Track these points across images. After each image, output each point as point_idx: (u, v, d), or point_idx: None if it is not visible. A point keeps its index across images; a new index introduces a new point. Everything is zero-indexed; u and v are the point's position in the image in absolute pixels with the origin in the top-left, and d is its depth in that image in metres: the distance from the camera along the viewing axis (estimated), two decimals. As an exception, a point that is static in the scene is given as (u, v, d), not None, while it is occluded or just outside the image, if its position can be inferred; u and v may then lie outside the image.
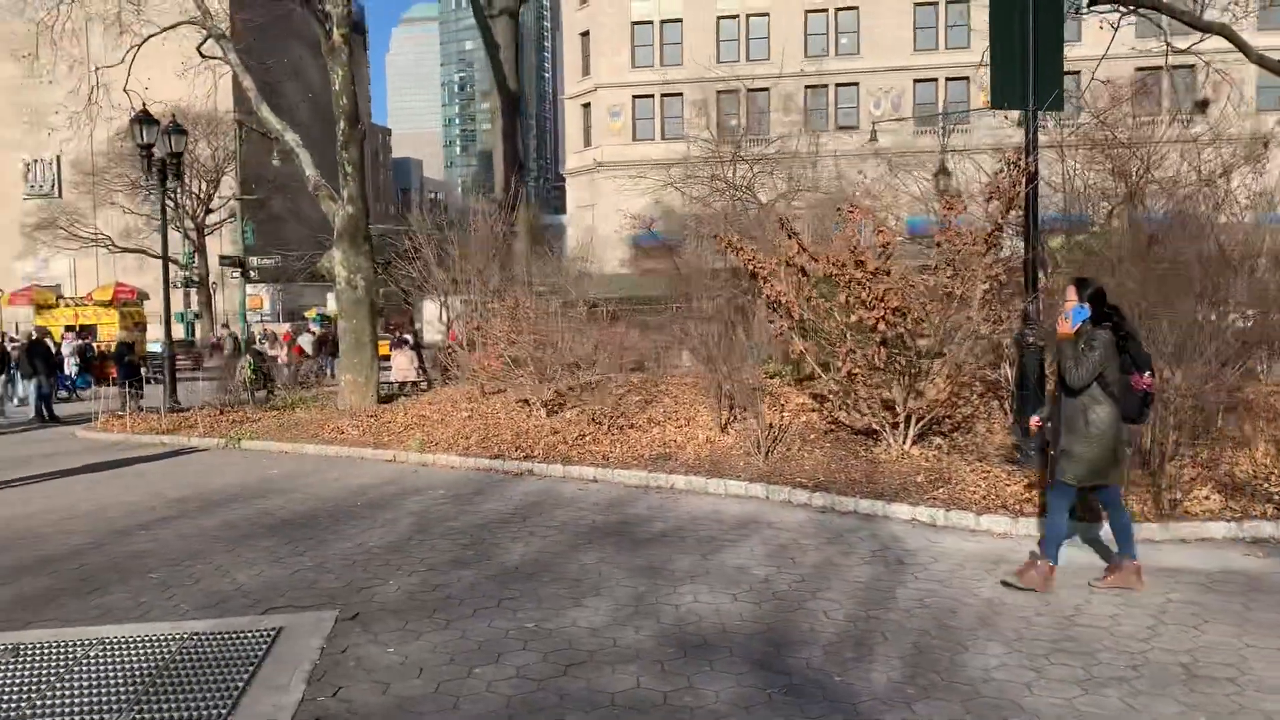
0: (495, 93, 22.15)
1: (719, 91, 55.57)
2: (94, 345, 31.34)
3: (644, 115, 56.41)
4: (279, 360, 26.30)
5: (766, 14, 55.67)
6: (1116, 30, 16.91)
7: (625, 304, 19.60)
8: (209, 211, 58.52)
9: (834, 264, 9.03)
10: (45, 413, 19.24)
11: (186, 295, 55.57)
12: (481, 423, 13.49)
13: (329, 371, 26.08)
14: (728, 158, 25.95)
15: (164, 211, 19.21)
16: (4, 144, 70.05)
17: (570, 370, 13.66)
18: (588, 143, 57.54)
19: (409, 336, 23.56)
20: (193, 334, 52.32)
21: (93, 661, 5.41)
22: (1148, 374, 6.17)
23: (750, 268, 9.65)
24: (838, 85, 53.81)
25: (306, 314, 61.16)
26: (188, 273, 55.92)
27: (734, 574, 6.86)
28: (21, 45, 21.79)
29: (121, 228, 56.32)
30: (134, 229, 55.95)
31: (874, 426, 9.88)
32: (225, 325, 53.32)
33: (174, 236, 58.33)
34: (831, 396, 10.86)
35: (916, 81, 53.72)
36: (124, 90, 21.08)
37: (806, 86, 52.93)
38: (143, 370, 23.85)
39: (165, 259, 19.06)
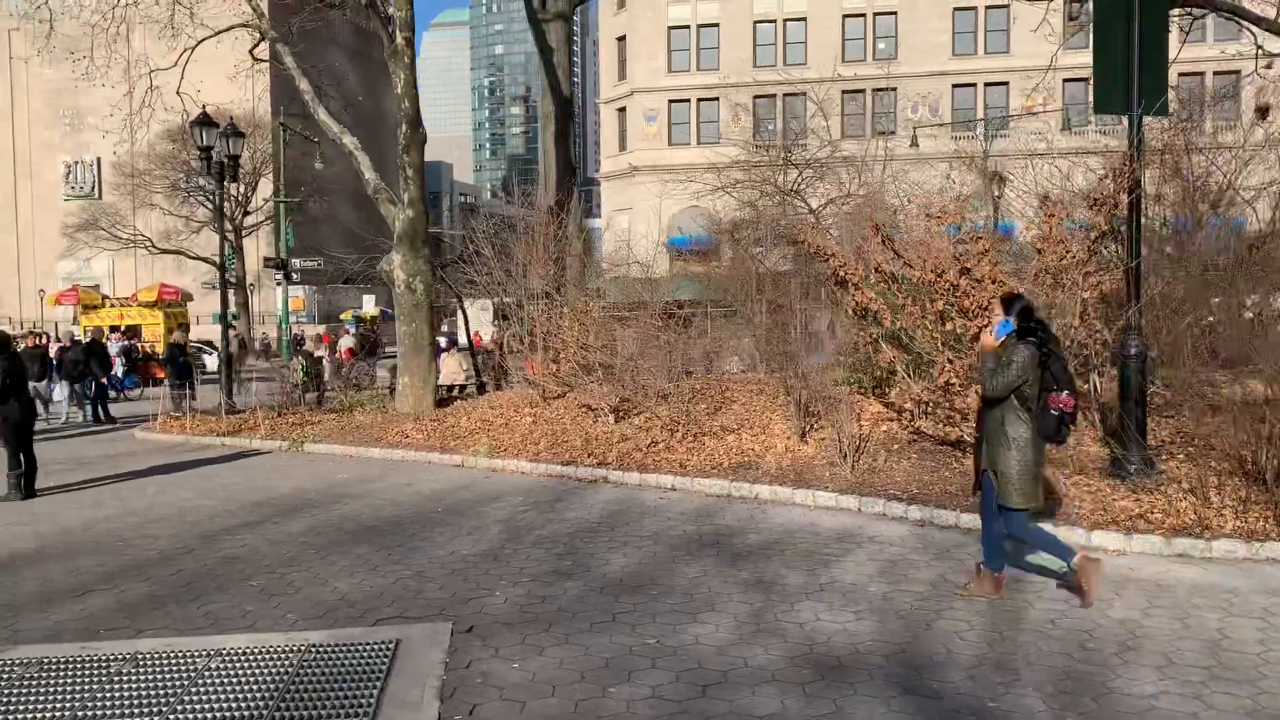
0: (547, 97, 22.03)
1: (755, 96, 55.51)
2: (138, 345, 31.55)
3: (680, 120, 56.36)
4: (323, 362, 26.31)
5: (804, 18, 55.55)
6: (1187, 35, 16.59)
7: (666, 307, 19.34)
8: (247, 214, 59.03)
9: (933, 270, 8.83)
10: (101, 413, 19.31)
11: (227, 296, 55.92)
12: (548, 428, 13.35)
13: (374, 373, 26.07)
14: (777, 161, 25.77)
15: (221, 213, 19.27)
16: (46, 146, 71.06)
17: (633, 376, 13.51)
18: (622, 147, 57.52)
19: (441, 339, 23.54)
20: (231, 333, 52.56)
21: (215, 673, 5.29)
22: (1066, 393, 6.08)
23: (840, 274, 9.45)
24: (875, 90, 53.45)
25: (342, 315, 61.57)
26: (227, 274, 56.33)
27: (849, 590, 6.67)
28: (75, 47, 21.83)
29: (161, 229, 56.88)
30: (173, 230, 56.50)
31: (965, 437, 9.65)
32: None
33: (213, 238, 58.98)
34: (912, 405, 10.63)
35: (955, 86, 53.35)
36: (177, 93, 21.17)
37: (844, 91, 52.57)
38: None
39: (222, 261, 19.11)
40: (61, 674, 5.34)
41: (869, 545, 7.85)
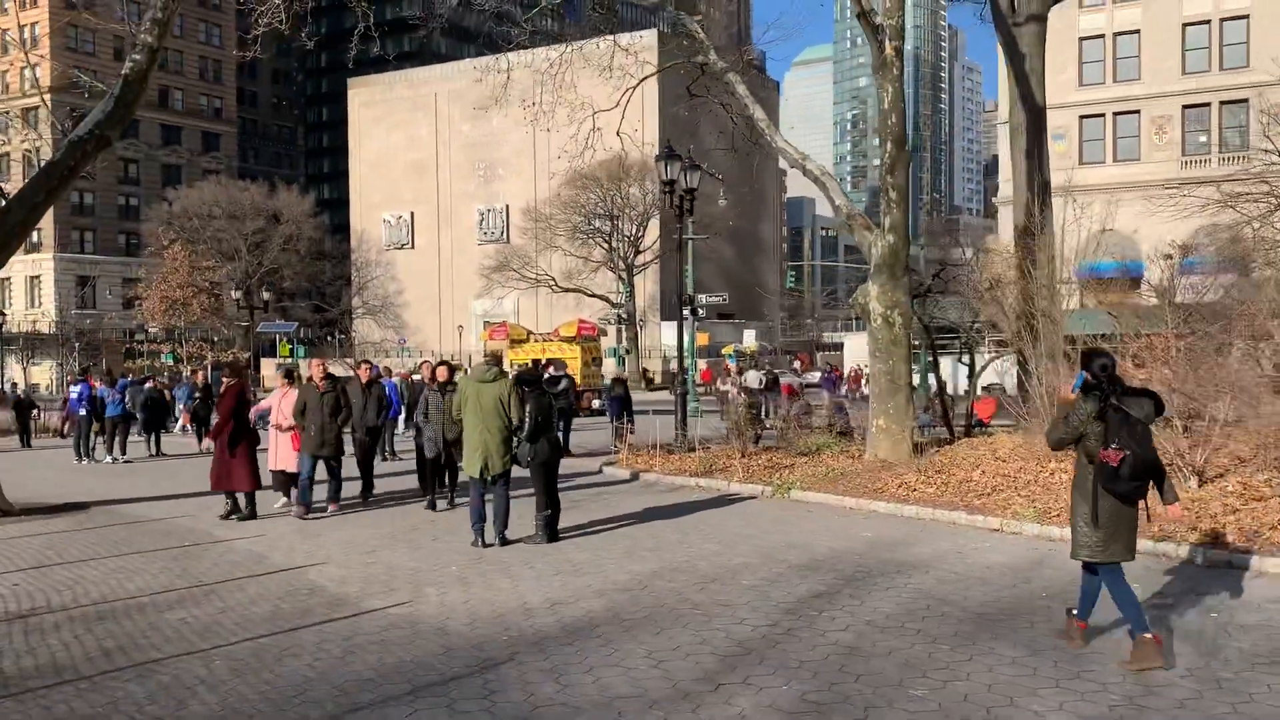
0: (1016, 108, 19.92)
1: (1185, 106, 49.64)
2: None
3: (1092, 136, 51.49)
4: (732, 396, 25.54)
5: (1246, 16, 48.75)
6: None
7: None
8: (638, 253, 61.31)
9: None
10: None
11: (619, 332, 58.34)
12: (1099, 490, 11.08)
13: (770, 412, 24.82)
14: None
15: (681, 247, 18.88)
16: (463, 195, 78.74)
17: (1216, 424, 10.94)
18: (1025, 170, 53.32)
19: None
20: (623, 366, 54.60)
21: None
22: (1113, 447, 5.92)
23: None
24: (1341, 91, 45.45)
25: (723, 350, 62.06)
26: (620, 310, 58.78)
27: None
28: (527, 96, 22.61)
29: (562, 269, 60.45)
30: (574, 270, 59.85)
31: None
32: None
33: (609, 277, 61.66)
34: None
35: None
36: (617, 134, 21.29)
37: (1298, 95, 45.12)
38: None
39: (681, 295, 18.67)
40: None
41: None
